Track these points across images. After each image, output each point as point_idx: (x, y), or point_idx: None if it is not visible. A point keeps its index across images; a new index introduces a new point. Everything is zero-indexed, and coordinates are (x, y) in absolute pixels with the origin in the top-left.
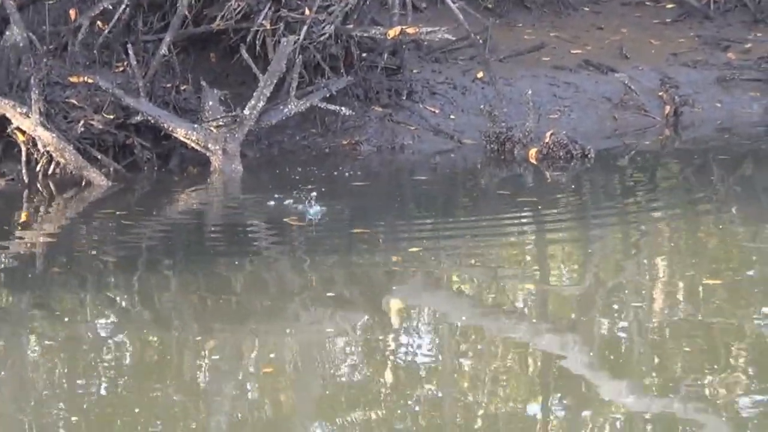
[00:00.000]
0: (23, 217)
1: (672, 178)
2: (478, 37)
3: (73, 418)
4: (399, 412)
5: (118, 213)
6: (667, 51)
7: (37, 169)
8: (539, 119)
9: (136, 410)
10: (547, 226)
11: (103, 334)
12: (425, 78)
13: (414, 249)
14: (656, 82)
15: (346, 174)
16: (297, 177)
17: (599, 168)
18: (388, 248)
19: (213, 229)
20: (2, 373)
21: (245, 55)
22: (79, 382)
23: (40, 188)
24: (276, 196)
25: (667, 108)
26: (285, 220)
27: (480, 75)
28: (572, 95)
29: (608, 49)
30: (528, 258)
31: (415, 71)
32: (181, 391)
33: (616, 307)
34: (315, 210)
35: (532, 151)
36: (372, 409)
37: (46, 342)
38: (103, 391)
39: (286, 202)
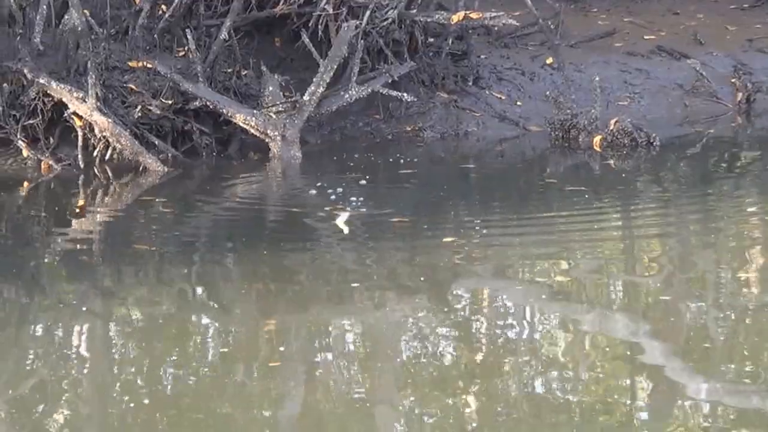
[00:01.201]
0: (80, 203)
1: (746, 166)
2: (549, 23)
3: (146, 403)
4: (471, 396)
5: (174, 199)
6: (743, 37)
7: (94, 154)
8: (608, 106)
9: (212, 395)
10: (613, 216)
11: (165, 320)
12: (493, 64)
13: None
14: (729, 68)
15: (402, 161)
16: (353, 164)
17: (669, 156)
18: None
19: (265, 216)
20: (67, 361)
21: (306, 41)
22: (147, 369)
23: (97, 173)
24: (325, 184)
25: (740, 95)
26: (327, 208)
27: (549, 61)
28: (643, 82)
29: (682, 35)
30: (596, 247)
31: (482, 57)
32: (251, 377)
33: (694, 296)
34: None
35: (597, 139)
36: (445, 395)
37: (108, 327)
38: (174, 378)
39: (337, 190)
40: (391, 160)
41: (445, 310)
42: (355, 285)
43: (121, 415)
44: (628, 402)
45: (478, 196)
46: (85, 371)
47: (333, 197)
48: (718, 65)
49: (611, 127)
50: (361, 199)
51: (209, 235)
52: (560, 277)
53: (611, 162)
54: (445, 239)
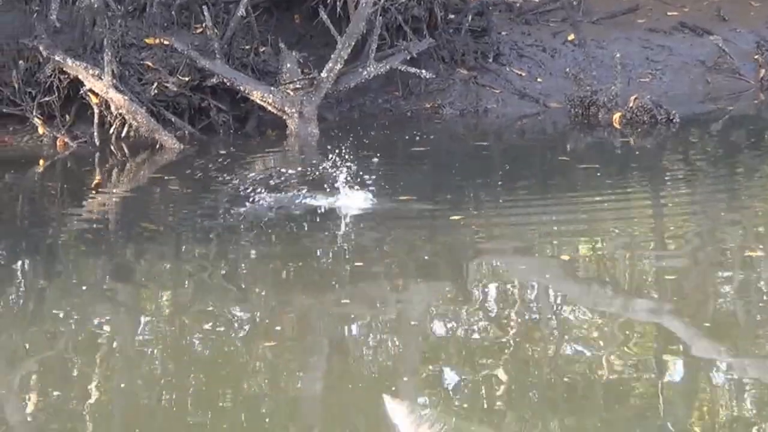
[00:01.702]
0: (96, 180)
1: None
2: None
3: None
4: (498, 369)
5: (189, 177)
6: (767, 13)
7: (111, 131)
8: (630, 82)
9: (242, 363)
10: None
11: (187, 299)
12: (513, 40)
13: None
14: (753, 44)
15: (417, 138)
16: (369, 141)
17: (688, 133)
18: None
19: (276, 195)
20: (84, 335)
21: (324, 17)
22: (162, 343)
23: (114, 151)
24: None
25: (762, 71)
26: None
27: (571, 37)
28: (665, 58)
29: (706, 11)
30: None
31: (503, 33)
32: (274, 353)
33: (719, 275)
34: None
35: (616, 116)
36: (471, 372)
37: (123, 303)
38: (202, 353)
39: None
40: (407, 137)
41: (460, 288)
42: (370, 263)
43: (141, 388)
44: (654, 378)
45: (489, 175)
46: (102, 345)
47: (344, 175)
48: (741, 41)
49: (631, 104)
50: (373, 177)
51: (223, 214)
52: (582, 254)
53: (629, 139)
54: (452, 217)
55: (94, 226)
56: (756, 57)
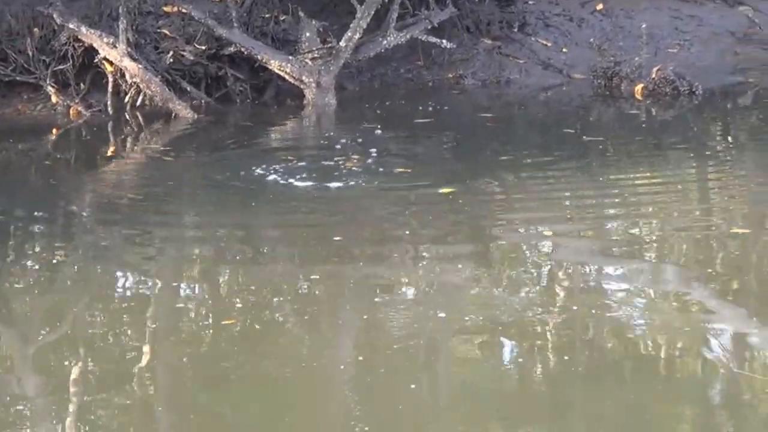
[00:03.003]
0: (109, 149)
1: None
2: None
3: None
4: (525, 340)
5: (202, 146)
6: None
7: (125, 100)
8: (657, 53)
9: (249, 345)
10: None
11: (203, 269)
12: (540, 10)
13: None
14: None
15: (430, 109)
16: (381, 112)
17: (709, 105)
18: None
19: (283, 166)
20: (97, 304)
21: None
22: (175, 309)
23: (128, 119)
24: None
25: None
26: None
27: (599, 7)
28: (694, 29)
29: None
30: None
31: (530, 2)
32: (289, 326)
33: (735, 249)
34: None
35: (638, 88)
36: (494, 345)
37: (133, 272)
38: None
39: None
40: (420, 108)
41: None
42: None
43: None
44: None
45: (487, 147)
46: (116, 313)
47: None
48: None
49: (653, 76)
50: (374, 150)
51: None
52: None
53: (639, 111)
54: (441, 190)
55: (108, 193)
56: None
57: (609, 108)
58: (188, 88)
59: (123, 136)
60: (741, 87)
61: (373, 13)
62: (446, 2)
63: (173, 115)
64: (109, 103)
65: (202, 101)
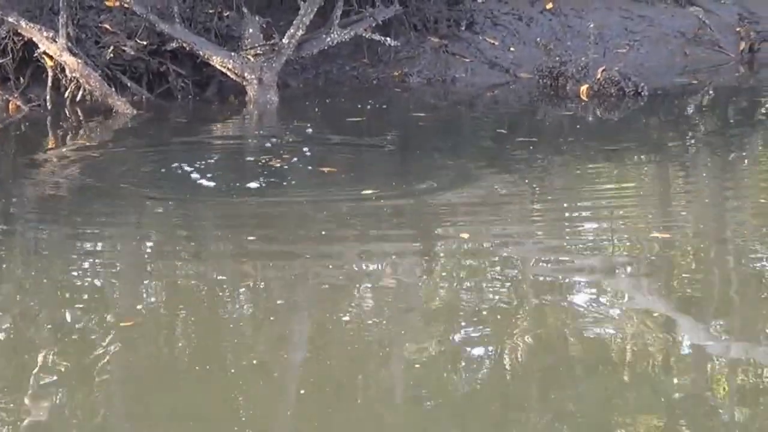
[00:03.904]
0: (47, 144)
1: (719, 121)
2: None
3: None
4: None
5: (138, 142)
6: None
7: (66, 95)
8: (605, 53)
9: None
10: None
11: (143, 261)
12: (489, 8)
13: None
14: (737, 16)
15: (368, 107)
16: (321, 111)
17: (654, 106)
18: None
19: (205, 163)
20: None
21: None
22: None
23: (68, 114)
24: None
25: (742, 44)
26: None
27: (549, 6)
28: (644, 29)
29: None
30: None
31: (479, 1)
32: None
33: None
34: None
35: (583, 88)
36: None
37: (72, 266)
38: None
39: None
40: (359, 106)
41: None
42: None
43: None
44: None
45: (412, 147)
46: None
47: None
48: (725, 13)
49: (598, 76)
50: (306, 149)
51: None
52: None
53: (572, 112)
54: (365, 191)
55: (46, 189)
56: (738, 29)
57: (550, 108)
58: (128, 84)
59: (61, 131)
60: (689, 88)
61: (316, 10)
62: (392, 0)
63: (113, 110)
64: (48, 98)
65: (143, 97)
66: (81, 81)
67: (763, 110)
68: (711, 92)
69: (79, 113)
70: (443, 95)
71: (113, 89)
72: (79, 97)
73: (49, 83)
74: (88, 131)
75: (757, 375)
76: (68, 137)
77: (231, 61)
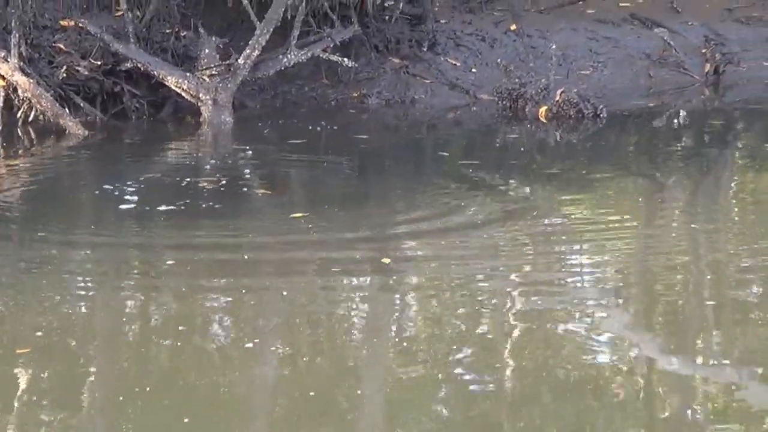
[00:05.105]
0: None
1: (675, 146)
2: None
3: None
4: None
5: (88, 163)
6: (722, 6)
7: (18, 115)
8: (569, 75)
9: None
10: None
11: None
12: (453, 29)
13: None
14: (703, 38)
15: (318, 128)
16: (272, 132)
17: (611, 129)
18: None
19: (136, 187)
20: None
21: (245, 1)
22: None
23: (20, 135)
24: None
25: (707, 66)
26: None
27: (513, 27)
28: (609, 50)
29: (659, 3)
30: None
31: (443, 21)
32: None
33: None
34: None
35: (542, 110)
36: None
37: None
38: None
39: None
40: (309, 128)
41: None
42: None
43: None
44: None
45: (350, 170)
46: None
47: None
48: (692, 35)
49: (557, 98)
50: (246, 171)
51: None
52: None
53: (516, 135)
54: (294, 215)
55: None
56: (704, 51)
57: (505, 130)
58: (82, 104)
59: (11, 153)
60: (651, 110)
61: (272, 30)
62: (352, 20)
63: (66, 131)
64: None
65: (97, 118)
66: (33, 101)
67: (726, 133)
68: (673, 114)
69: (32, 133)
70: (400, 116)
71: (66, 110)
72: (31, 118)
73: (0, 103)
74: (36, 153)
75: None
76: (19, 158)
77: (186, 81)
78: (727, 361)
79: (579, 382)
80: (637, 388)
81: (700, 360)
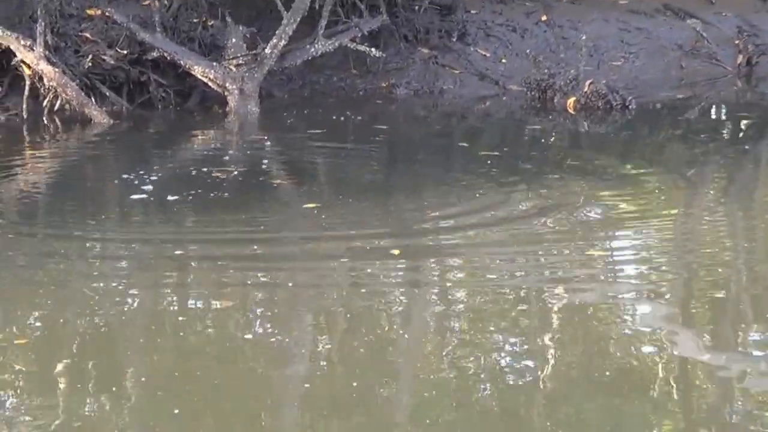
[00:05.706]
0: (21, 154)
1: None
2: None
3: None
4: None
5: (114, 152)
6: None
7: (44, 104)
8: (600, 66)
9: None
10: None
11: (123, 272)
12: (483, 19)
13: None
14: (736, 29)
15: (342, 119)
16: (292, 121)
17: (640, 121)
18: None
19: (155, 177)
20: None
21: None
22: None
23: (46, 123)
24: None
25: (740, 57)
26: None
27: (544, 17)
28: (641, 41)
29: None
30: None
31: (473, 12)
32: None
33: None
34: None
35: (570, 101)
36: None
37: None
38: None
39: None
40: (334, 118)
41: None
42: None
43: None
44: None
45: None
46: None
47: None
48: (725, 26)
49: (585, 89)
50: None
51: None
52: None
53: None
54: (305, 205)
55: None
56: (736, 42)
57: (533, 121)
58: (107, 93)
59: (37, 141)
60: (683, 101)
61: (299, 20)
62: (380, 10)
63: (91, 120)
64: (24, 107)
65: (123, 107)
66: (58, 90)
67: (760, 125)
68: (705, 106)
69: (57, 122)
70: (428, 107)
71: (91, 99)
72: (57, 107)
73: (26, 92)
74: (62, 141)
75: None
76: (44, 146)
77: (212, 70)
78: None
79: (619, 377)
80: (677, 383)
81: (741, 355)
